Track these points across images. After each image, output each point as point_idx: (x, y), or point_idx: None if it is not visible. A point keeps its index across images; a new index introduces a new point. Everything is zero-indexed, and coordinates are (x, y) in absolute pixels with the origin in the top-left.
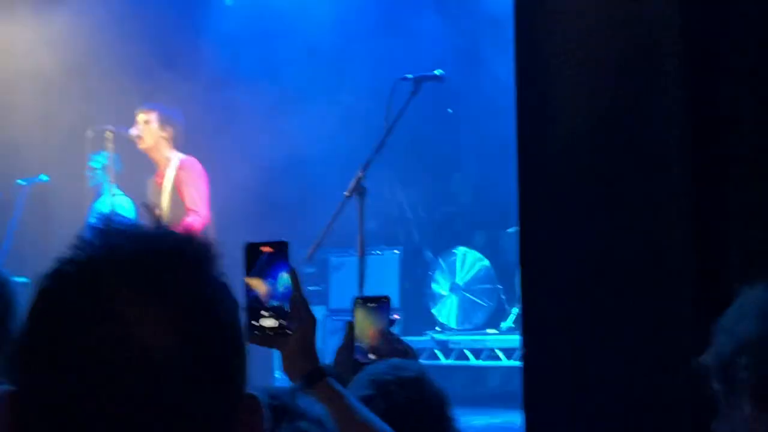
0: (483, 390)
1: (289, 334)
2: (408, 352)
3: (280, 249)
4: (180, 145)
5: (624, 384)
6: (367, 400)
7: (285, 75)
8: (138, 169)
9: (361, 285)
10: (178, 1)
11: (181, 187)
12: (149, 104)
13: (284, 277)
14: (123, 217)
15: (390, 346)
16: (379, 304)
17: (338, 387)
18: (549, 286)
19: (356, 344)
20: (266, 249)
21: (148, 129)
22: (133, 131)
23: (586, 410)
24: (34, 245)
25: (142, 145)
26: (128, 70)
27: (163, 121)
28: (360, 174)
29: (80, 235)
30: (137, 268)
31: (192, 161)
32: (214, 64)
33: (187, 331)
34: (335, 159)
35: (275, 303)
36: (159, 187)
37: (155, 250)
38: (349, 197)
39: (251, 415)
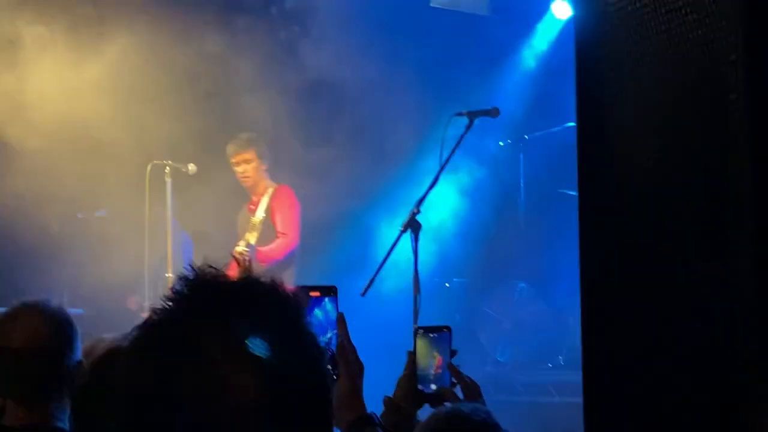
0: (536, 426)
1: (334, 379)
2: (470, 385)
3: (329, 293)
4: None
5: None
6: None
7: (340, 121)
8: (195, 202)
9: (415, 321)
10: (239, 40)
11: (274, 213)
12: (241, 141)
13: (332, 322)
14: (211, 267)
15: (454, 377)
16: (440, 334)
17: None
18: (612, 319)
19: (419, 373)
20: (314, 293)
21: (251, 168)
22: (192, 167)
23: None
24: (92, 278)
25: (246, 184)
26: (186, 106)
27: (261, 156)
28: (415, 210)
29: (172, 287)
30: (228, 319)
31: (286, 190)
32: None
33: (278, 381)
34: (393, 196)
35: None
36: (250, 213)
37: (244, 301)
38: (404, 232)
39: None
